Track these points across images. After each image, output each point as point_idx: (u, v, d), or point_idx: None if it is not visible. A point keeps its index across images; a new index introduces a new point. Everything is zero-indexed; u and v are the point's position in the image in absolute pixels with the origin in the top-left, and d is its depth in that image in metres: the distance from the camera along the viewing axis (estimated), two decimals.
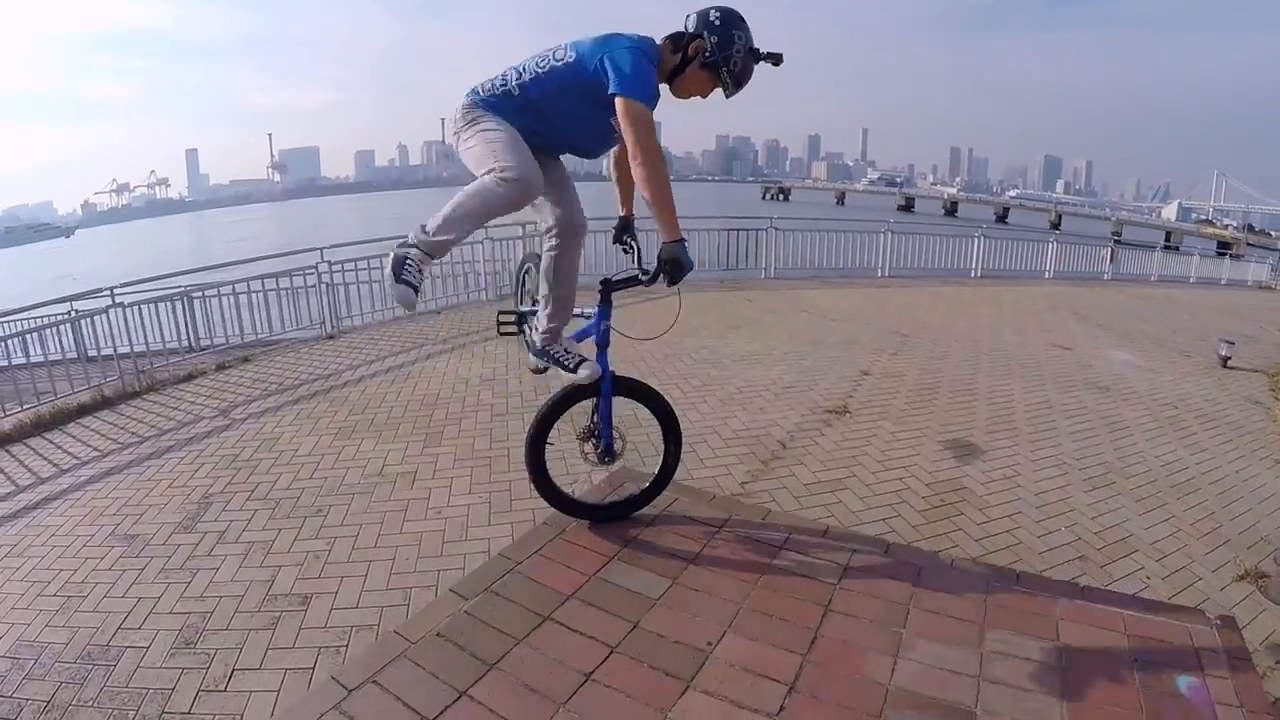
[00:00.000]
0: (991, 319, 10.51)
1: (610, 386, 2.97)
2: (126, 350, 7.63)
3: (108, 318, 7.53)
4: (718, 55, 2.72)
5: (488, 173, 2.60)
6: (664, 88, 2.83)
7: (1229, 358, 8.32)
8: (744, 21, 2.76)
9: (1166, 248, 27.03)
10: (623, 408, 3.12)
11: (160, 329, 8.16)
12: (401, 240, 2.68)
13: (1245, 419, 6.41)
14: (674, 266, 2.55)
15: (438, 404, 6.10)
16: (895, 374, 7.03)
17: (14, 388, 6.87)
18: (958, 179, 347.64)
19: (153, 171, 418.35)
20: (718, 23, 2.72)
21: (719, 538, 2.99)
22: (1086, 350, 8.72)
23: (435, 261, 2.72)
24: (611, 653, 2.26)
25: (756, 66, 2.83)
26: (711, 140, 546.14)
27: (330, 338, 9.00)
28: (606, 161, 3.23)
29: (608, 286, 2.89)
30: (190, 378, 7.49)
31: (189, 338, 8.64)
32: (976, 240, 15.30)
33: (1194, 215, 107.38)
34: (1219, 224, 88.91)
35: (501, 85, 2.78)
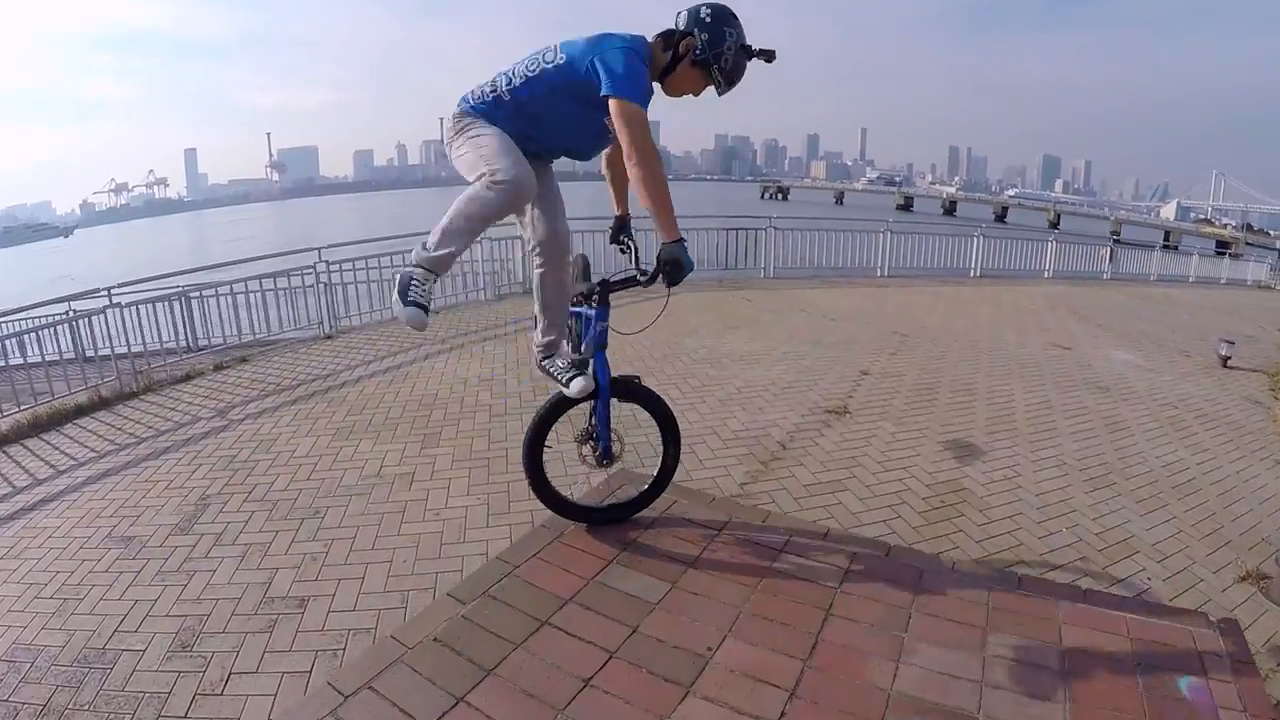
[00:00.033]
0: (991, 318, 10.49)
1: (608, 389, 2.95)
2: (124, 350, 7.61)
3: (105, 318, 7.51)
4: (709, 53, 2.69)
5: (479, 178, 2.59)
6: (656, 87, 2.80)
7: (1229, 357, 8.31)
8: (735, 18, 2.73)
9: (1165, 247, 27.05)
10: (621, 408, 3.10)
11: (158, 329, 8.13)
12: (405, 262, 2.68)
13: (1245, 419, 6.39)
14: (674, 267, 2.53)
15: (436, 404, 6.07)
16: (895, 374, 7.02)
17: (11, 388, 6.85)
18: (956, 178, 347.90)
19: (151, 171, 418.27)
20: (708, 19, 2.69)
21: (719, 540, 2.97)
22: (1086, 350, 8.71)
23: (439, 278, 2.70)
24: (610, 658, 2.24)
25: (749, 64, 2.79)
26: (710, 139, 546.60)
27: (328, 338, 8.98)
28: (600, 161, 3.21)
29: (605, 287, 2.87)
30: (188, 378, 7.46)
31: (187, 338, 8.62)
32: (976, 240, 15.29)
33: (1193, 215, 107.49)
34: (1218, 223, 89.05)
35: (491, 92, 2.76)
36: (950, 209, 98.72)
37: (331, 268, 9.37)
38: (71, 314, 7.60)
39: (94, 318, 7.52)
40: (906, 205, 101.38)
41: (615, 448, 3.07)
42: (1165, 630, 2.45)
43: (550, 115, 2.74)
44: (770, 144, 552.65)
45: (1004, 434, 5.55)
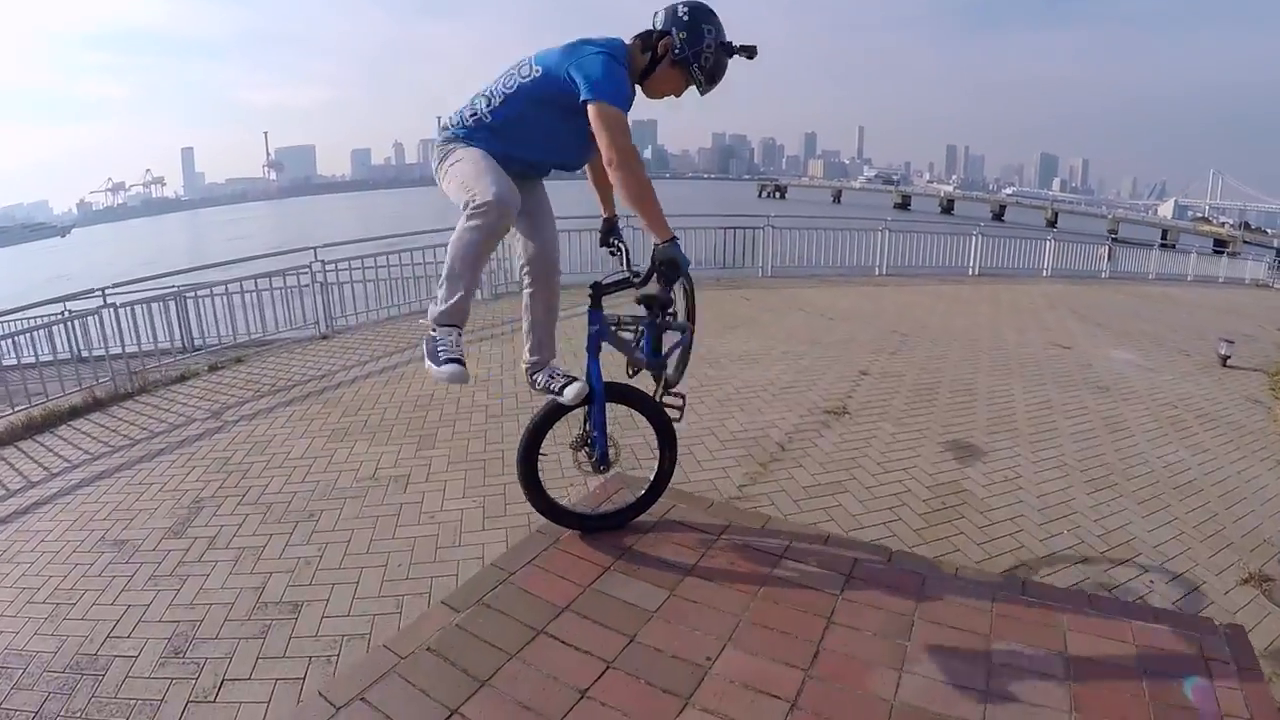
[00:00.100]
0: (990, 318, 10.47)
1: (603, 394, 2.90)
2: (119, 351, 7.57)
3: (100, 318, 7.47)
4: (687, 51, 2.64)
5: (463, 208, 2.57)
6: (639, 89, 2.76)
7: (1228, 356, 8.30)
8: (714, 14, 2.67)
9: (1163, 245, 27.06)
10: (616, 409, 3.06)
11: (153, 329, 8.09)
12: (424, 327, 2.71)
13: (1246, 419, 6.37)
14: (670, 266, 2.48)
15: (432, 405, 6.04)
16: (894, 374, 6.99)
17: (5, 390, 6.82)
18: (954, 177, 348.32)
19: (148, 170, 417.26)
20: (685, 18, 2.64)
21: (717, 546, 2.92)
22: (1086, 349, 8.69)
23: (461, 328, 2.70)
24: (607, 668, 2.19)
25: (731, 61, 2.74)
26: (708, 138, 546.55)
27: (324, 337, 8.95)
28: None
29: (598, 290, 2.82)
30: (183, 379, 7.43)
31: (182, 338, 8.58)
32: (974, 238, 15.26)
33: (1190, 213, 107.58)
34: (1215, 222, 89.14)
35: (472, 116, 2.73)
36: (948, 207, 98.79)
37: (328, 267, 9.33)
38: (67, 314, 7.56)
39: (89, 318, 7.48)
40: (904, 204, 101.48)
41: (611, 453, 3.03)
42: (1171, 636, 2.41)
43: (533, 131, 2.71)
44: (768, 142, 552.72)
45: (1004, 434, 5.52)
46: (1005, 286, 13.76)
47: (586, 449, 2.98)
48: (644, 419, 3.06)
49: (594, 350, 2.85)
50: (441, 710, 2.05)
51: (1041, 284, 14.77)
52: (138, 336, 7.84)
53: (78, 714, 2.86)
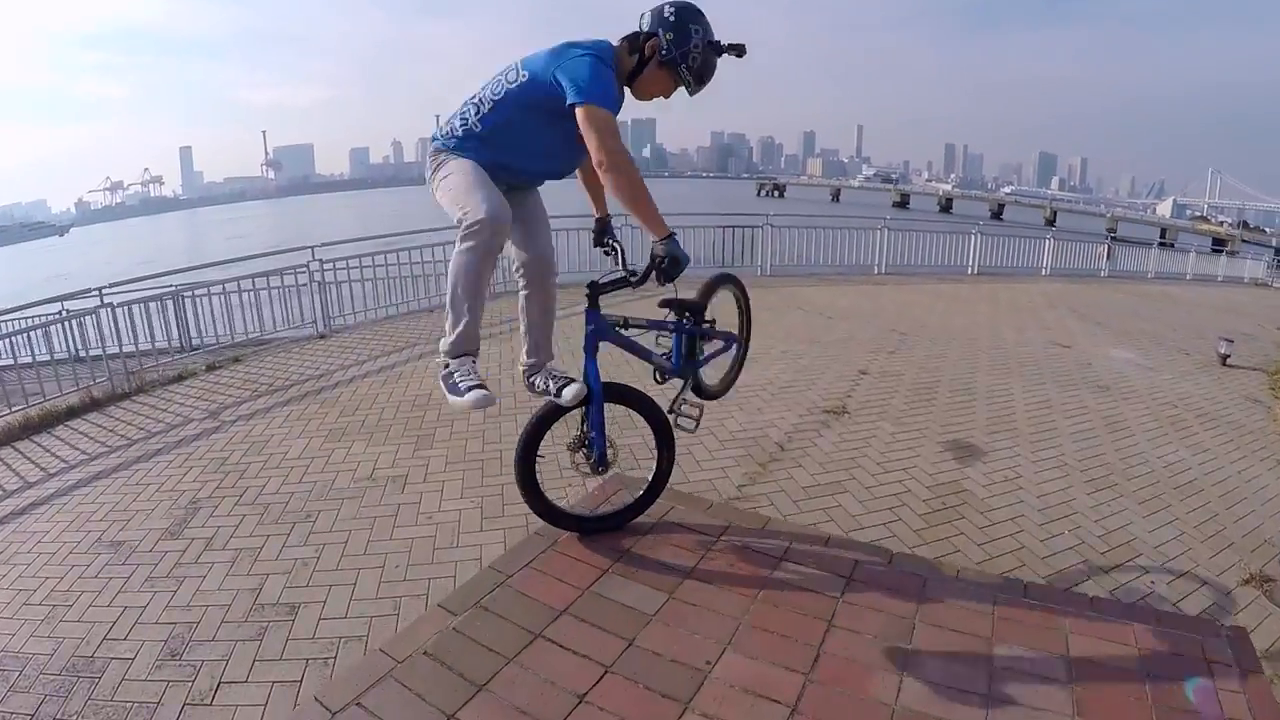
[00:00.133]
0: (989, 317, 10.45)
1: (601, 394, 2.88)
2: (117, 350, 7.55)
3: (97, 318, 7.44)
4: (674, 52, 2.62)
5: (456, 224, 2.58)
6: (628, 91, 2.75)
7: (1228, 355, 8.28)
8: (701, 14, 2.66)
9: (1162, 244, 27.06)
10: (614, 409, 3.03)
11: (151, 329, 8.06)
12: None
13: (1246, 418, 6.36)
14: (671, 263, 2.47)
15: (429, 405, 6.01)
16: (893, 373, 6.97)
17: (2, 390, 6.79)
18: (953, 175, 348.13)
19: (146, 169, 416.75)
20: (672, 18, 2.62)
21: (717, 548, 2.90)
22: (1085, 348, 8.67)
23: (475, 355, 2.74)
24: (606, 673, 2.17)
25: (721, 60, 2.73)
26: (706, 137, 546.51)
27: (322, 337, 8.92)
28: None
29: (595, 290, 2.79)
30: (180, 378, 7.41)
31: (180, 338, 8.55)
32: (973, 237, 15.25)
33: (1189, 212, 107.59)
34: (1214, 220, 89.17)
35: (462, 125, 2.73)
36: (946, 206, 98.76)
37: (325, 266, 9.30)
38: (65, 314, 7.53)
39: (86, 318, 7.46)
40: (903, 202, 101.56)
41: (609, 453, 3.00)
42: (1174, 639, 2.40)
43: (523, 137, 2.70)
44: (766, 141, 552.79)
45: (1004, 434, 5.51)
46: (1004, 285, 13.75)
47: (584, 450, 2.96)
48: (641, 419, 3.04)
49: (591, 350, 2.83)
50: (438, 715, 2.03)
51: (1040, 283, 14.76)
52: (135, 336, 7.81)
53: (74, 716, 2.85)
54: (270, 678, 2.99)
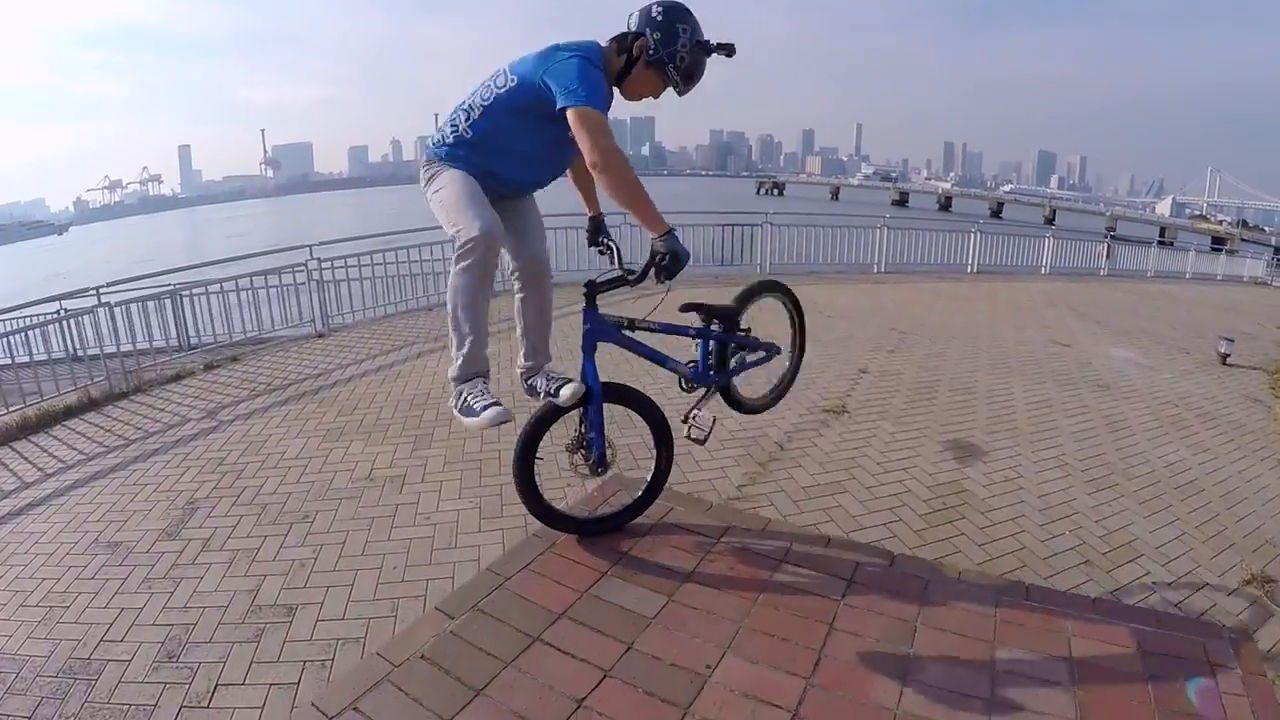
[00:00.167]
0: (989, 315, 10.43)
1: (600, 394, 2.86)
2: (115, 350, 7.52)
3: (95, 317, 7.42)
4: (662, 52, 2.61)
5: (451, 239, 2.62)
6: (617, 92, 2.73)
7: (1228, 355, 8.26)
8: (689, 13, 2.64)
9: (1161, 243, 27.03)
10: (611, 409, 3.01)
11: (149, 328, 8.03)
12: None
13: (1246, 417, 6.34)
14: (672, 259, 2.44)
15: (428, 404, 5.99)
16: (893, 372, 6.95)
17: None
18: (952, 174, 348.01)
19: (145, 168, 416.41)
20: (659, 18, 2.61)
21: (717, 550, 2.89)
22: (1085, 347, 8.65)
23: (485, 376, 2.79)
24: (605, 677, 2.16)
25: (710, 59, 2.72)
26: (706, 135, 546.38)
27: (320, 336, 8.90)
28: None
29: (592, 289, 2.77)
30: (178, 378, 7.38)
31: (178, 337, 8.53)
32: (973, 235, 15.22)
33: (1188, 211, 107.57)
34: (1213, 219, 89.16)
35: (453, 132, 2.72)
36: (946, 205, 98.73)
37: (323, 265, 9.27)
38: (63, 313, 7.51)
39: (84, 317, 7.43)
40: (902, 201, 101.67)
41: (608, 454, 2.98)
42: (1176, 641, 2.39)
43: (513, 141, 2.70)
44: (765, 139, 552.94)
45: (1005, 433, 5.49)
46: (1004, 284, 13.72)
47: (583, 451, 2.94)
48: (640, 419, 3.02)
49: (589, 350, 2.82)
50: None
51: (1040, 281, 14.75)
52: (133, 335, 7.78)
53: (71, 718, 2.82)
54: (267, 680, 2.96)
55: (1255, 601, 3.62)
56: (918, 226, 15.63)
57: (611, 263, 2.91)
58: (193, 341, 8.64)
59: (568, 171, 3.04)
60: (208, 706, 2.85)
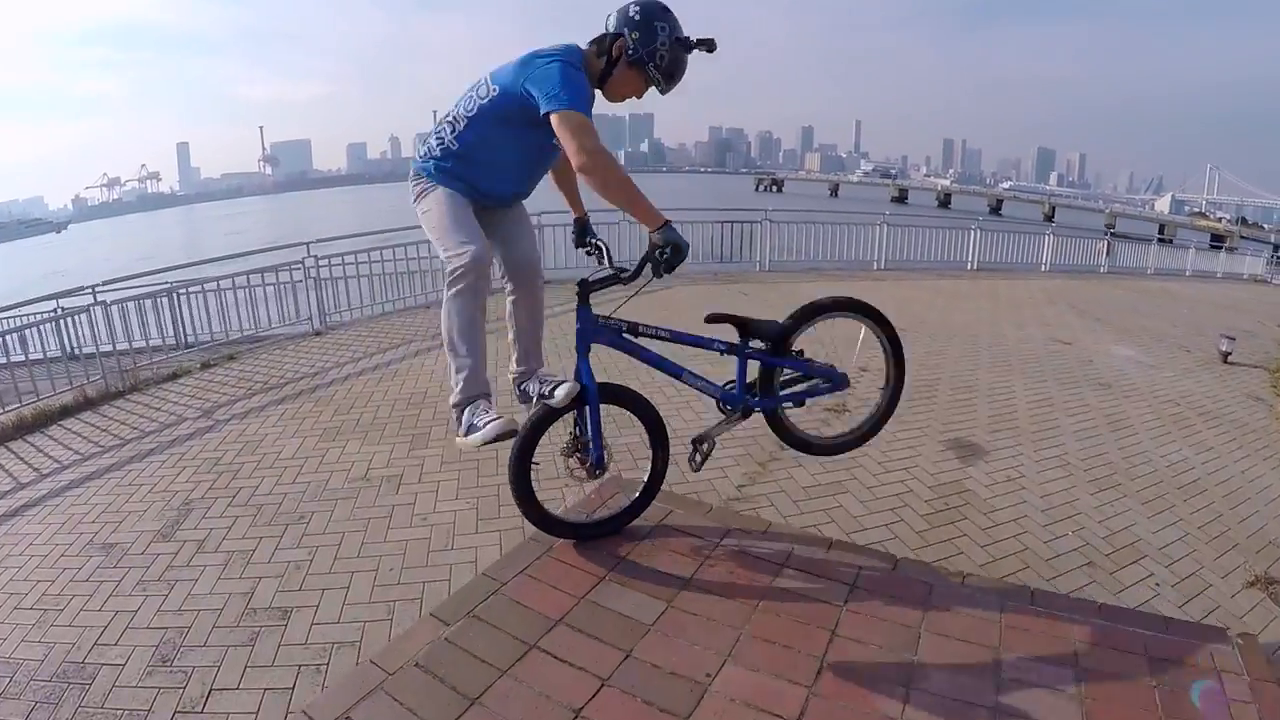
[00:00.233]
0: (990, 312, 10.41)
1: (597, 395, 2.82)
2: (111, 349, 7.49)
3: (92, 315, 7.38)
4: (642, 51, 2.58)
5: (445, 261, 2.62)
6: (598, 94, 2.70)
7: (1229, 353, 8.24)
8: (667, 11, 2.61)
9: (1161, 240, 26.99)
10: (607, 409, 2.97)
11: (146, 326, 7.99)
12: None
13: (1248, 416, 6.32)
14: (673, 252, 2.39)
15: (425, 403, 5.96)
16: None
17: None
18: (951, 171, 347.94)
19: (143, 165, 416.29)
20: (637, 17, 2.58)
21: (717, 554, 2.84)
22: (1086, 345, 8.63)
23: (487, 397, 2.78)
24: (603, 686, 2.11)
25: (691, 56, 2.69)
26: (705, 132, 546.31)
27: (318, 334, 8.88)
28: None
29: (584, 288, 2.73)
30: (174, 376, 7.36)
31: (175, 335, 8.48)
32: (973, 232, 15.20)
33: (1187, 208, 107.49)
34: (1212, 217, 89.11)
35: (439, 145, 2.72)
36: (945, 201, 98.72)
37: (320, 263, 9.24)
38: (60, 312, 7.48)
39: (81, 315, 7.40)
40: (901, 197, 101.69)
41: (605, 455, 2.94)
42: (1183, 647, 2.35)
43: (500, 152, 2.70)
44: (764, 136, 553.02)
45: (1006, 432, 5.46)
46: (1004, 281, 13.71)
47: (578, 455, 2.90)
48: (635, 417, 2.98)
49: (583, 349, 2.77)
50: None
51: (1040, 278, 14.74)
52: (130, 334, 7.75)
53: None
54: (262, 684, 2.94)
55: (1259, 603, 3.60)
56: (917, 223, 15.64)
57: (600, 263, 2.87)
58: (189, 340, 8.60)
59: (550, 175, 3.02)
60: (202, 711, 2.84)
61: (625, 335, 2.81)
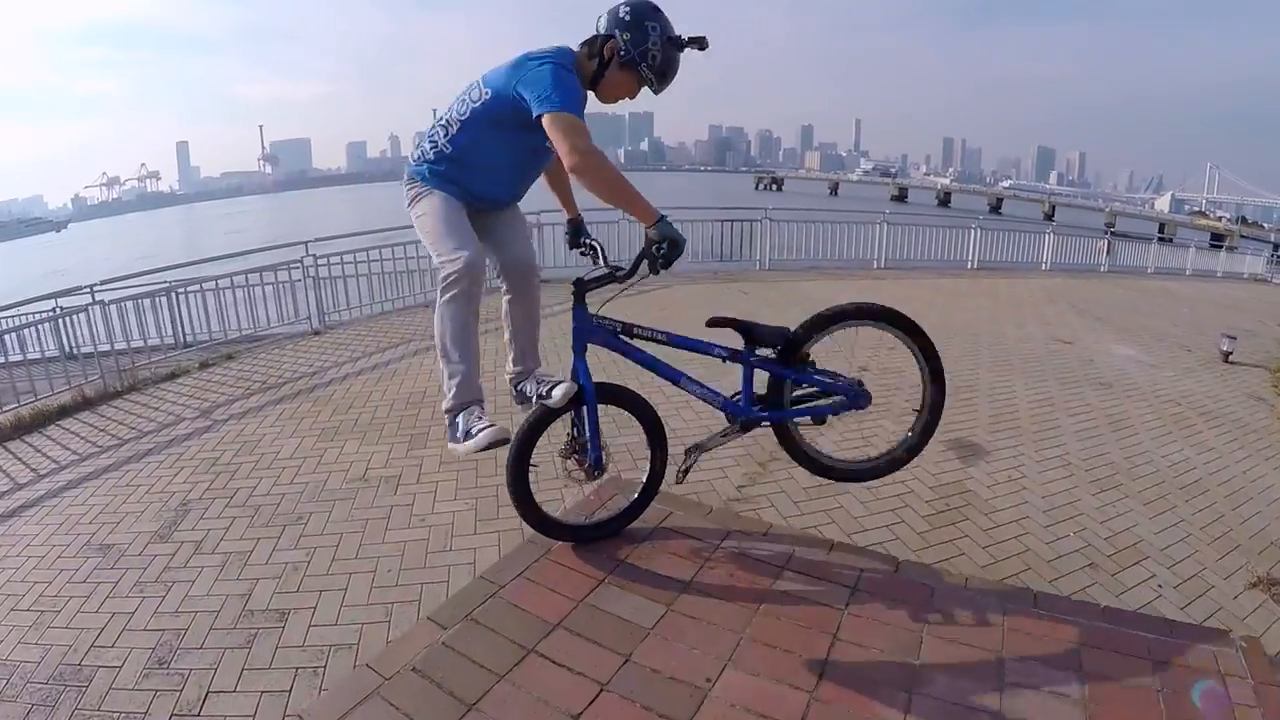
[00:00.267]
0: (990, 311, 10.39)
1: (594, 395, 2.80)
2: (109, 348, 7.46)
3: (90, 315, 7.36)
4: (633, 52, 2.58)
5: (438, 266, 2.63)
6: (591, 95, 2.71)
7: (1230, 352, 8.21)
8: (658, 11, 2.61)
9: (1160, 239, 26.97)
10: (604, 409, 2.95)
11: (145, 326, 7.97)
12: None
13: (1250, 416, 6.30)
14: (670, 246, 2.38)
15: (424, 403, 5.94)
16: (894, 369, 6.87)
17: None
18: (951, 169, 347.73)
19: (143, 164, 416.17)
20: (627, 18, 2.58)
21: (717, 556, 2.82)
22: (1087, 344, 8.61)
23: (480, 403, 2.76)
24: (601, 691, 2.09)
25: (683, 54, 2.68)
26: (704, 130, 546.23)
27: (317, 333, 8.85)
28: None
29: (580, 287, 2.71)
30: (173, 376, 7.33)
31: (174, 334, 8.46)
32: (973, 231, 15.18)
33: (1187, 207, 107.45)
34: (1212, 216, 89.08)
35: (433, 148, 2.72)
36: (945, 200, 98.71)
37: (319, 261, 9.21)
38: (59, 311, 7.46)
39: (79, 315, 7.38)
40: (901, 196, 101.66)
41: (603, 456, 2.92)
42: (1186, 650, 2.33)
43: (493, 155, 2.69)
44: (764, 135, 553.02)
45: (1007, 433, 5.44)
46: (1004, 280, 13.68)
47: (576, 456, 2.88)
48: (633, 417, 2.97)
49: (580, 349, 2.76)
50: None
51: (1040, 277, 14.70)
52: (128, 333, 7.73)
53: None
54: (259, 687, 2.92)
55: (1261, 605, 3.58)
56: (917, 222, 15.62)
57: (595, 263, 2.85)
58: (188, 339, 8.58)
59: (544, 176, 3.01)
60: (198, 714, 2.81)
61: (620, 336, 2.79)
